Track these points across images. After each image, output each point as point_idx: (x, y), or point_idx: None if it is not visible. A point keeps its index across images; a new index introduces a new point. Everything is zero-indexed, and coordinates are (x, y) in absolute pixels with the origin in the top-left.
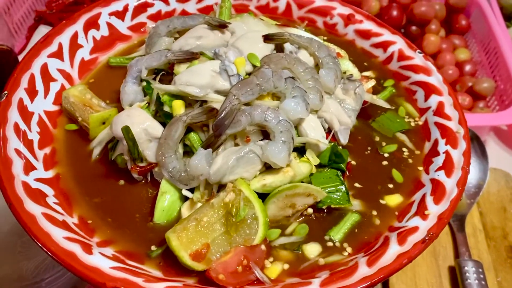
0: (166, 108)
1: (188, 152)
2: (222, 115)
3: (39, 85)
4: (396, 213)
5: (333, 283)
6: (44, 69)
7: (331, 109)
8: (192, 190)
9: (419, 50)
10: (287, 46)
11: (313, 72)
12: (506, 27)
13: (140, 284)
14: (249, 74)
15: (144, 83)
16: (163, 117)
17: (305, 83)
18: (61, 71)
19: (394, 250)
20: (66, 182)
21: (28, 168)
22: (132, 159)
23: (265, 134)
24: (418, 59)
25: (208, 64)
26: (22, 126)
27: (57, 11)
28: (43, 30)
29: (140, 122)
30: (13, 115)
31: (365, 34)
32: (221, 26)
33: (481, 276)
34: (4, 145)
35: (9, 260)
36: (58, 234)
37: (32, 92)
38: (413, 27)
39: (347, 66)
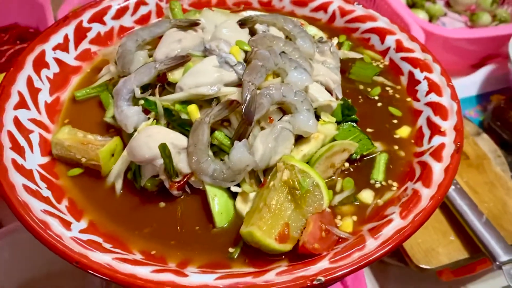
0: (183, 116)
1: (216, 152)
2: (247, 102)
3: (21, 140)
4: (412, 141)
5: (411, 211)
6: (18, 123)
7: (321, 72)
8: (237, 185)
9: (357, 2)
10: (258, 27)
11: (293, 44)
12: None
13: (256, 282)
14: (244, 60)
15: (142, 101)
16: (178, 128)
17: (290, 55)
18: (33, 121)
19: (438, 168)
20: (105, 226)
21: (66, 224)
22: (169, 177)
23: (282, 111)
24: (359, 10)
25: (207, 61)
26: (32, 186)
27: None
28: None
29: (163, 138)
30: (17, 179)
31: (301, 2)
32: (193, 25)
33: (455, 181)
34: (29, 211)
35: None
36: (144, 271)
37: (19, 150)
38: None
39: (313, 31)
